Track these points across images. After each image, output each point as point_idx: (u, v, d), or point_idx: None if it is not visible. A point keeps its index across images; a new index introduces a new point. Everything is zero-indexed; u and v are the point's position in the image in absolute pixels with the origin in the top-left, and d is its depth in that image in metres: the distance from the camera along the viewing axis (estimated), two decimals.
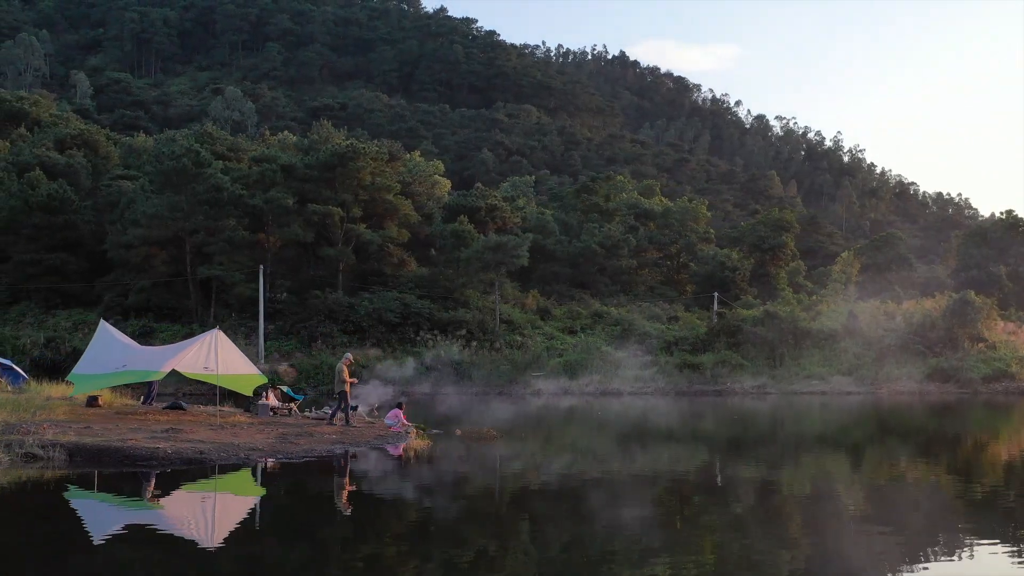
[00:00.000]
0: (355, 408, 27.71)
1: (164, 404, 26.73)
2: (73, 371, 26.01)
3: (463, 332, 59.29)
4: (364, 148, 64.66)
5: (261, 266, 59.07)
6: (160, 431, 21.28)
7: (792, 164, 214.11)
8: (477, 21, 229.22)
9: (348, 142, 67.40)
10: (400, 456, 23.49)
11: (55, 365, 54.50)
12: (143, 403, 26.83)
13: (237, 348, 26.77)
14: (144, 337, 58.34)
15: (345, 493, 18.23)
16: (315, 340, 59.20)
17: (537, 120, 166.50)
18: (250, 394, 27.63)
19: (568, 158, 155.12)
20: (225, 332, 58.58)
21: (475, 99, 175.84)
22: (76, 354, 55.26)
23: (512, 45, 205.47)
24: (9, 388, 29.32)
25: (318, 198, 62.90)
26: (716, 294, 70.61)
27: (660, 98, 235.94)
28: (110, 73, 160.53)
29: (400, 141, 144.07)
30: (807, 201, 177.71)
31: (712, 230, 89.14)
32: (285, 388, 30.95)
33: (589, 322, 66.39)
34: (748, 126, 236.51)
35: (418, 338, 58.66)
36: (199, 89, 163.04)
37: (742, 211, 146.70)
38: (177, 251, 61.51)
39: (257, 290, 58.51)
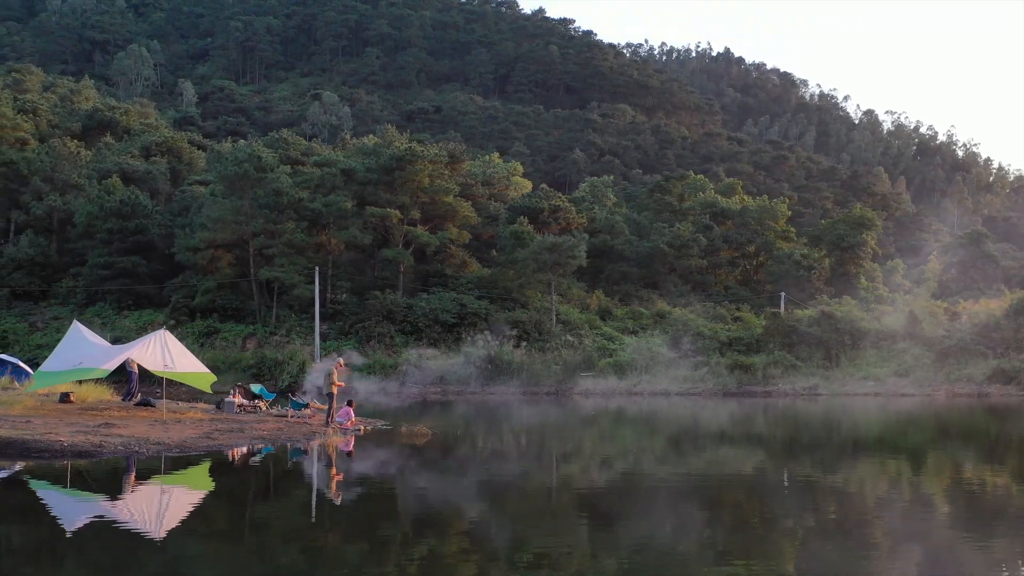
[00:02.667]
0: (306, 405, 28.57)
1: (135, 401, 27.74)
2: (39, 368, 27.27)
3: (514, 332, 59.52)
4: (422, 151, 65.51)
5: (317, 268, 60.44)
6: (94, 426, 22.22)
7: (902, 160, 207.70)
8: (574, 21, 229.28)
9: (407, 146, 68.29)
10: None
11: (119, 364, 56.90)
12: (124, 399, 27.92)
13: (185, 348, 27.77)
14: (208, 337, 60.50)
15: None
16: (370, 340, 60.26)
17: (631, 119, 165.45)
18: (208, 390, 28.73)
19: (662, 157, 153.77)
20: (284, 332, 60.52)
21: (570, 99, 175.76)
22: None
23: (609, 45, 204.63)
24: (17, 385, 30.75)
25: (378, 201, 64.00)
26: (783, 294, 69.24)
27: (765, 95, 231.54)
28: (215, 81, 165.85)
29: (492, 142, 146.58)
30: (917, 198, 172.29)
31: (792, 228, 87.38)
32: (257, 387, 31.83)
33: (650, 322, 65.83)
34: (857, 121, 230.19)
35: (469, 338, 59.12)
36: (300, 95, 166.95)
37: (842, 209, 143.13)
38: (241, 254, 63.37)
39: (315, 291, 59.95)
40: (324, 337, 60.51)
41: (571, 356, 58.09)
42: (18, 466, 19.03)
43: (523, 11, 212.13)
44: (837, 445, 30.38)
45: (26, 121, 77.03)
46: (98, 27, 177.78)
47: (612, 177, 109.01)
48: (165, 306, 63.70)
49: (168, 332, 26.83)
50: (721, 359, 56.79)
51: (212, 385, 28.94)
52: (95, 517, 15.19)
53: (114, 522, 15.01)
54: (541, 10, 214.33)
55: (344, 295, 64.44)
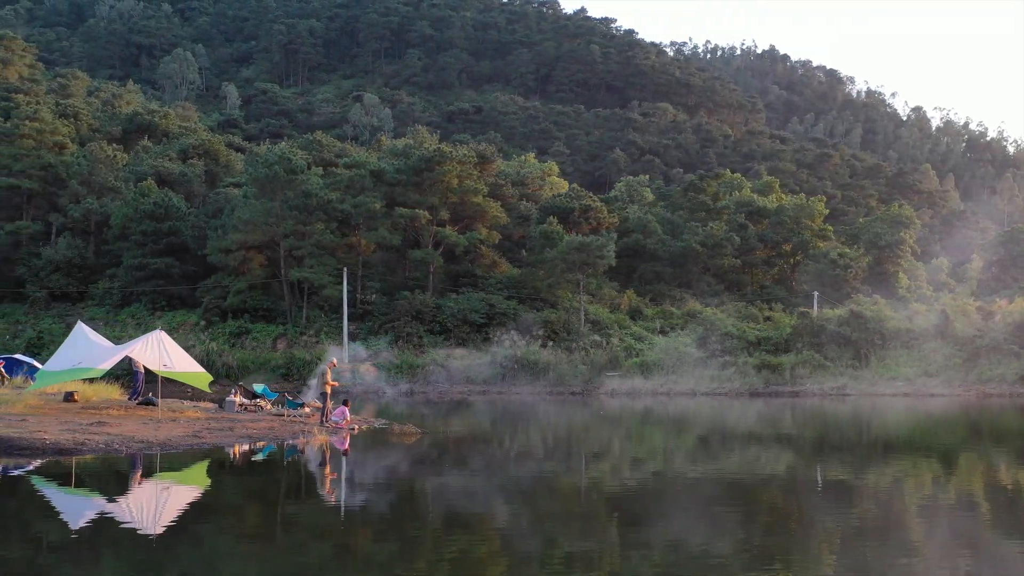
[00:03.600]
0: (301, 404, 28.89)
1: (138, 400, 28.14)
2: (41, 368, 27.80)
3: (542, 332, 59.53)
4: (451, 152, 65.73)
5: (345, 268, 60.89)
6: (86, 424, 22.62)
7: (951, 157, 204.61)
8: (616, 20, 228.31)
9: (436, 147, 68.56)
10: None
11: None
12: (130, 398, 28.33)
13: (181, 348, 28.12)
14: (239, 337, 61.17)
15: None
16: (399, 340, 60.55)
17: (673, 118, 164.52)
18: (207, 389, 29.12)
19: (703, 156, 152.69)
20: (314, 332, 60.97)
21: (612, 99, 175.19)
22: None
23: (651, 43, 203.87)
24: (30, 382, 31.33)
25: (407, 202, 64.33)
26: (815, 293, 68.46)
27: (810, 92, 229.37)
28: (258, 84, 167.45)
29: (532, 142, 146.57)
30: (966, 195, 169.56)
31: (830, 227, 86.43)
32: (260, 387, 32.11)
33: (681, 322, 65.46)
34: (905, 118, 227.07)
35: (495, 338, 59.19)
36: (342, 97, 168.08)
37: (887, 207, 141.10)
38: (272, 255, 64.01)
39: (343, 292, 60.42)
40: (353, 337, 60.98)
41: (598, 356, 58.01)
42: (31, 465, 19.54)
43: (564, 11, 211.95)
44: (867, 445, 29.99)
45: (65, 125, 78.24)
46: (144, 32, 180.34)
47: (648, 176, 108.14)
48: (198, 307, 64.50)
49: (164, 333, 27.16)
50: (749, 359, 56.36)
51: (211, 384, 29.28)
52: (108, 515, 15.43)
53: (125, 521, 15.22)
54: (583, 10, 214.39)
55: (374, 295, 64.81)
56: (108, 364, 25.47)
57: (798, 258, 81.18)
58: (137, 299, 65.70)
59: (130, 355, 26.72)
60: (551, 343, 59.01)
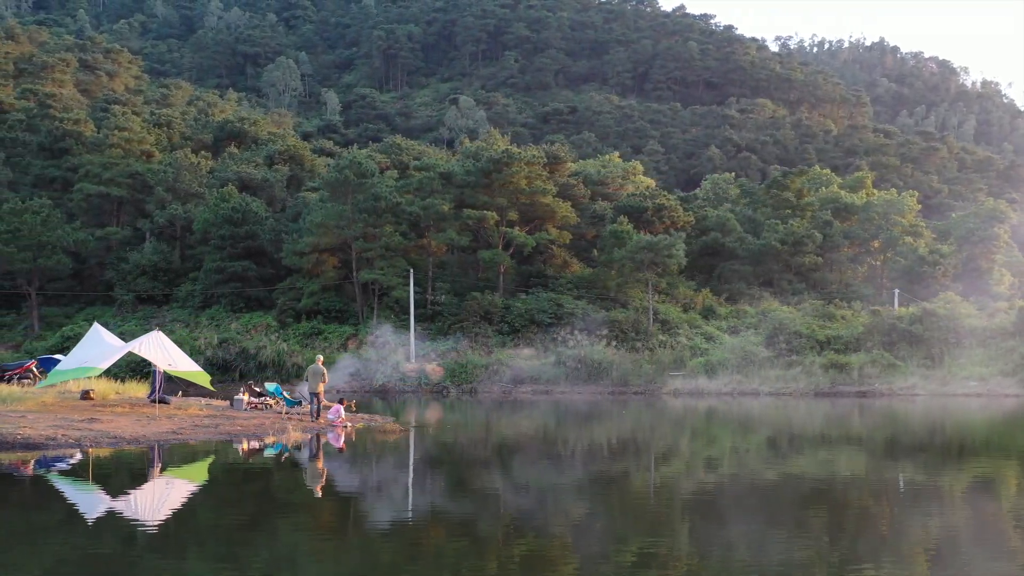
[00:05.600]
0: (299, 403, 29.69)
1: (151, 397, 29.08)
2: (54, 368, 29.08)
3: (604, 332, 59.24)
4: (519, 154, 66.00)
5: (411, 270, 61.70)
6: (78, 420, 23.56)
7: None
8: (715, 16, 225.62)
9: (504, 149, 68.89)
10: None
11: (225, 364, 59.61)
12: (149, 397, 29.31)
13: (178, 348, 29.00)
14: (310, 337, 62.52)
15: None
16: (466, 340, 61.00)
17: (772, 114, 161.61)
18: (208, 387, 30.02)
19: (802, 152, 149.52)
20: (382, 333, 61.92)
21: (710, 96, 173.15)
22: (244, 354, 60.28)
23: (752, 39, 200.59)
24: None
25: (475, 203, 64.82)
26: (896, 291, 66.47)
27: (921, 84, 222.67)
28: (358, 89, 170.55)
29: (626, 142, 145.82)
30: None
31: (922, 223, 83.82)
32: (272, 386, 32.82)
33: (755, 321, 64.30)
34: (1022, 109, 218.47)
35: (560, 338, 59.11)
36: (439, 100, 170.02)
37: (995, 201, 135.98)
38: (344, 257, 65.21)
39: (410, 293, 61.23)
40: (424, 337, 61.73)
41: (663, 355, 57.49)
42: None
43: (662, 8, 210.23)
44: (943, 447, 29.13)
45: (151, 134, 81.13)
46: (249, 41, 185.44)
47: (733, 175, 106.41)
48: (274, 308, 66.11)
49: (161, 332, 28.13)
50: (817, 358, 55.10)
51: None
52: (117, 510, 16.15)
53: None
54: (681, 6, 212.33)
55: (443, 296, 65.43)
56: (107, 363, 26.50)
57: (888, 255, 78.91)
58: (216, 301, 67.68)
59: (138, 352, 27.68)
60: (615, 343, 58.66)
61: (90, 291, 72.61)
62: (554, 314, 62.21)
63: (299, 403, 31.10)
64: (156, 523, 15.02)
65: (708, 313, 66.55)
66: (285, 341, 60.99)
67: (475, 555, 13.34)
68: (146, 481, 19.21)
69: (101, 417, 24.68)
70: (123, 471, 20.35)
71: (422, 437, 29.35)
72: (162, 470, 20.53)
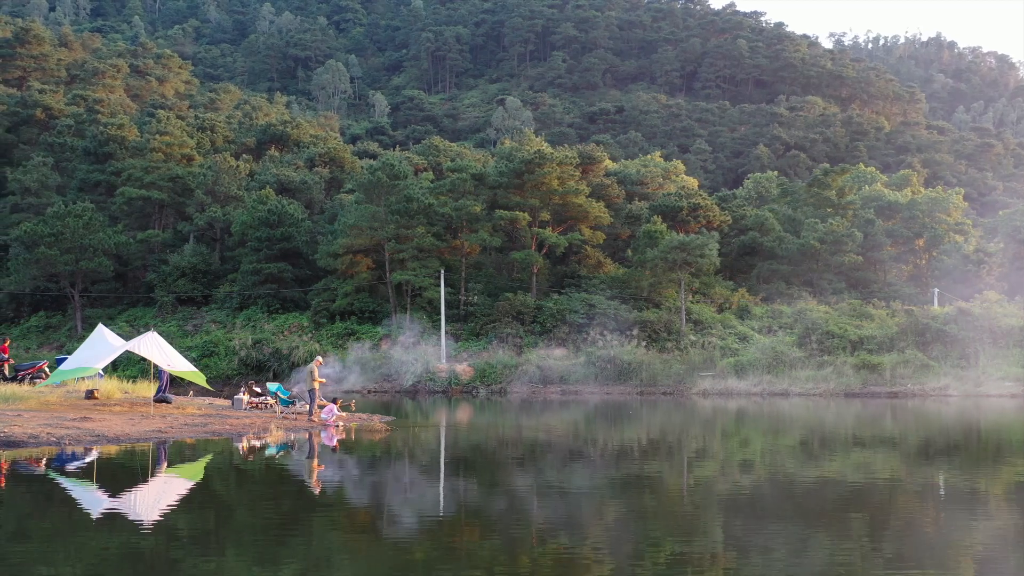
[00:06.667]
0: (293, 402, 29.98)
1: (153, 397, 29.51)
2: (57, 368, 29.74)
3: (634, 332, 59.01)
4: (551, 154, 65.98)
5: (441, 270, 61.93)
6: (70, 419, 24.02)
7: None
8: (765, 14, 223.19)
9: (536, 150, 68.91)
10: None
11: (259, 364, 60.37)
12: (155, 396, 29.76)
13: (173, 348, 29.47)
14: (343, 338, 63.04)
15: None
16: (498, 340, 61.11)
17: (822, 112, 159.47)
18: (205, 386, 30.41)
19: (852, 149, 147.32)
20: (413, 333, 62.21)
21: (759, 94, 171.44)
22: (277, 354, 60.93)
23: (803, 35, 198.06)
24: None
25: (508, 204, 64.92)
26: (936, 290, 65.37)
27: (979, 79, 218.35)
28: (406, 91, 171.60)
29: (674, 140, 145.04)
30: None
31: (969, 221, 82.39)
32: (275, 386, 33.11)
33: (791, 321, 63.58)
34: None
35: (591, 338, 58.97)
36: (487, 101, 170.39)
37: None
38: (378, 258, 65.66)
39: (445, 293, 61.58)
40: (456, 338, 61.99)
41: (693, 356, 57.13)
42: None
43: (712, 7, 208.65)
44: (979, 449, 28.65)
45: (193, 137, 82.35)
46: (300, 45, 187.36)
47: (776, 173, 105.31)
48: (308, 309, 66.78)
49: (156, 333, 28.66)
50: (848, 358, 54.35)
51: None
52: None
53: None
54: (731, 4, 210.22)
55: (476, 296, 65.61)
56: (103, 363, 27.06)
57: (934, 254, 77.54)
58: (253, 302, 68.51)
59: (136, 352, 28.21)
60: (645, 343, 58.39)
61: (132, 293, 73.91)
62: (586, 314, 62.09)
63: (294, 403, 31.47)
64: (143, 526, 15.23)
65: (743, 313, 65.94)
66: (318, 342, 61.55)
67: (506, 557, 13.18)
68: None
69: (95, 416, 25.18)
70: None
71: (407, 438, 29.44)
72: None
